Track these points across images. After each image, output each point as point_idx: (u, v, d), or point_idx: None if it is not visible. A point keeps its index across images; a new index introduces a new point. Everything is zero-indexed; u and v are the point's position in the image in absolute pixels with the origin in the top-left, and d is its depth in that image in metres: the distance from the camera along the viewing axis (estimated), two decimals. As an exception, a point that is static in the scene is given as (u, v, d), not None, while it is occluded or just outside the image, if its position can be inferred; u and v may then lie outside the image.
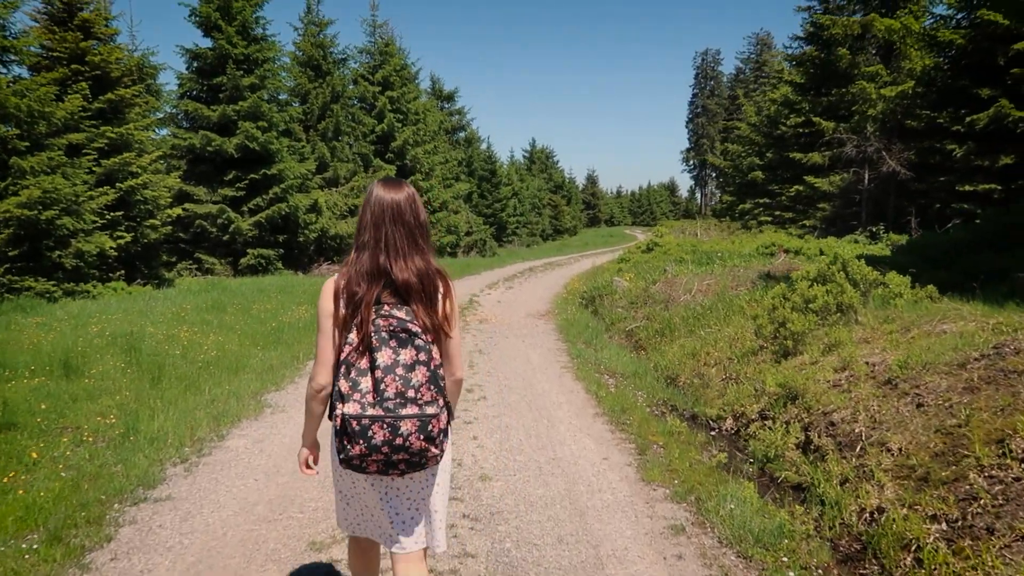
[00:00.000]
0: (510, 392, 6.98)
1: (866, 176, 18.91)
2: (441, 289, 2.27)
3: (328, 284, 2.28)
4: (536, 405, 6.50)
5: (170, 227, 17.48)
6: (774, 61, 70.67)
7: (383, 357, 2.10)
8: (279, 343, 9.40)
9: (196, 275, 19.80)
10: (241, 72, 20.19)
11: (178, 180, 19.10)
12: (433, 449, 2.16)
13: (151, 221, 16.30)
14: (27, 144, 12.49)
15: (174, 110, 20.93)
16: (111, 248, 14.52)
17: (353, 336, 2.15)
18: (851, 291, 6.94)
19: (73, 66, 15.52)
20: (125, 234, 15.36)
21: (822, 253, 13.70)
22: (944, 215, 15.81)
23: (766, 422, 5.86)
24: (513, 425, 5.83)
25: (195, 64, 20.69)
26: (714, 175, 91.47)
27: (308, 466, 2.48)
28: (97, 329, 9.22)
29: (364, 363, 2.12)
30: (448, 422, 2.26)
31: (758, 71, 77.46)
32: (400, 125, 28.69)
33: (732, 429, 6.20)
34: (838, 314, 6.90)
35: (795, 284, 7.46)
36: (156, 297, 13.58)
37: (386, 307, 2.18)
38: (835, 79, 22.10)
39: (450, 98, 41.41)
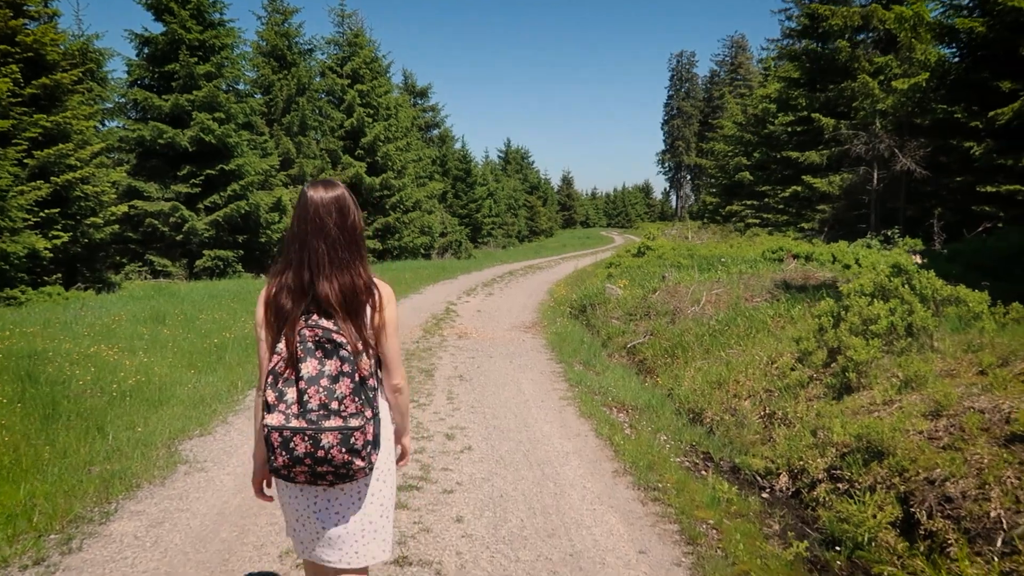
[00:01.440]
0: (501, 438, 5.47)
1: (875, 176, 17.67)
2: (370, 301, 2.17)
3: (261, 294, 2.20)
4: (536, 458, 5.03)
5: (116, 226, 15.86)
6: (750, 63, 70.47)
7: (307, 368, 2.00)
8: (219, 365, 7.88)
9: (148, 278, 18.12)
10: (196, 59, 18.55)
11: (126, 175, 17.45)
12: (358, 462, 2.03)
13: (93, 219, 14.74)
14: (-61, 132, 10.84)
15: (123, 99, 19.19)
16: (45, 249, 12.97)
17: (281, 346, 2.06)
18: (921, 310, 5.62)
19: (1, 47, 13.87)
20: (62, 233, 13.81)
21: (835, 259, 12.44)
22: (963, 219, 14.60)
23: (838, 484, 4.49)
24: (509, 493, 4.35)
25: (145, 50, 18.98)
26: (689, 177, 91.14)
27: (263, 492, 2.33)
28: (3, 346, 7.64)
29: (290, 373, 2.02)
30: (376, 432, 2.11)
31: (733, 73, 77.30)
32: (371, 120, 27.06)
33: (789, 489, 4.82)
34: (908, 338, 5.56)
35: (848, 300, 6.11)
36: (91, 304, 11.95)
37: (314, 317, 2.08)
38: (833, 73, 20.83)
39: (423, 94, 39.84)
